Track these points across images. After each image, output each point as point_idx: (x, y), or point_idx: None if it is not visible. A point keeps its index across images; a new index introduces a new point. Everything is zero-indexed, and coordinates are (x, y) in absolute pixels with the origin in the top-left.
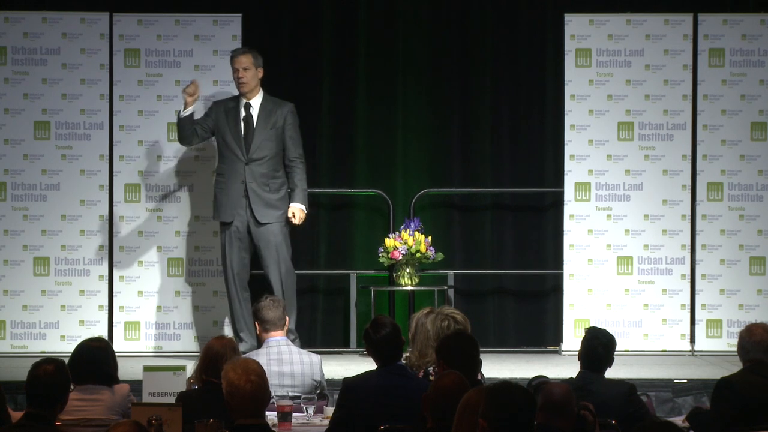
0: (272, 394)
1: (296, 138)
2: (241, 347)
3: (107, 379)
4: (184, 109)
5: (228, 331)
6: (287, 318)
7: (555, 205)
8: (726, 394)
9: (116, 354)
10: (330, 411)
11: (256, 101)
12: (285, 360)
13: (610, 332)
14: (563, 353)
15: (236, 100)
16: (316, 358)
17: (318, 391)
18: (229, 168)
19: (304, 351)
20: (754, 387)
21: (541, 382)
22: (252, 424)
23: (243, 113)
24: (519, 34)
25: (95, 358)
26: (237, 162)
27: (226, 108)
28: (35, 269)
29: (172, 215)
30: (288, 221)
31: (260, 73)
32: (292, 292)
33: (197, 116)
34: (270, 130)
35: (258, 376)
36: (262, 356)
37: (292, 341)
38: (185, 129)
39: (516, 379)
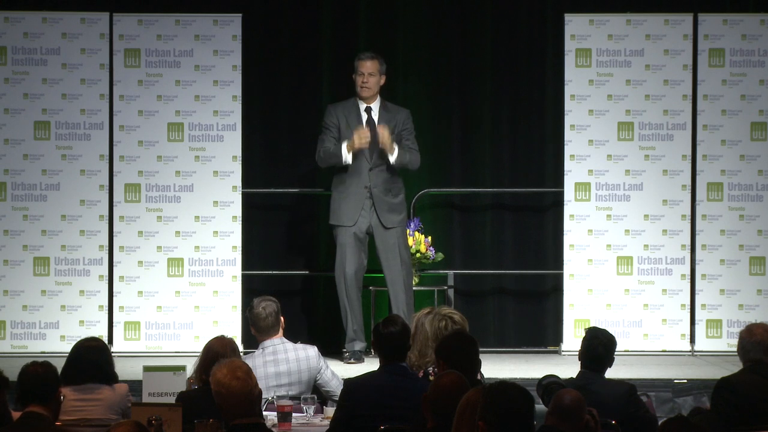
0: (272, 394)
1: (412, 140)
2: (356, 346)
3: (107, 378)
4: (349, 153)
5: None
6: (282, 319)
7: (555, 205)
8: (726, 395)
9: (116, 354)
10: (330, 411)
11: (375, 105)
12: (280, 360)
13: (610, 332)
14: (563, 353)
15: (353, 103)
16: (312, 351)
17: (318, 380)
18: (352, 172)
19: (300, 346)
20: (754, 387)
21: (551, 381)
22: (249, 424)
23: (365, 117)
24: (519, 34)
25: (95, 357)
26: (361, 167)
27: (345, 113)
28: (35, 269)
29: (172, 215)
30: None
31: (383, 81)
32: (411, 292)
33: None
34: (391, 136)
35: (245, 373)
36: (257, 358)
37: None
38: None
39: (516, 379)
